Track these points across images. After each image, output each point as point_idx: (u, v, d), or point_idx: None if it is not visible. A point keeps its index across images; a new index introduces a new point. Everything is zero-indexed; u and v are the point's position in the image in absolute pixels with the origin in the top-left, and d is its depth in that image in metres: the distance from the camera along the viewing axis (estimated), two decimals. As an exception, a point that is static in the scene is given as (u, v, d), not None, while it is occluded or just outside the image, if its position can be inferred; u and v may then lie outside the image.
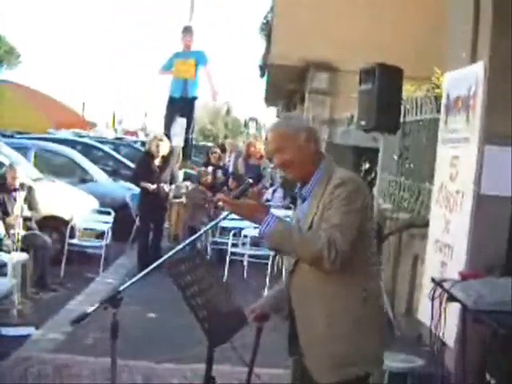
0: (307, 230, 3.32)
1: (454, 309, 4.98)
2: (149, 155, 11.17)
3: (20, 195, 9.19)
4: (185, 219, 11.87)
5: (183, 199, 11.99)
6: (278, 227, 3.19)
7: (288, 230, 3.23)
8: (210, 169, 13.27)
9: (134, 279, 3.46)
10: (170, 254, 3.55)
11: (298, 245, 3.19)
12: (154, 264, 3.45)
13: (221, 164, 13.90)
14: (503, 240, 5.35)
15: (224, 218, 3.75)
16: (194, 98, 13.17)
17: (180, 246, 3.66)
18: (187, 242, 3.93)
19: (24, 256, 8.57)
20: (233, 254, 10.39)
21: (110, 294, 3.43)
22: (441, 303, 4.81)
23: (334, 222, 3.18)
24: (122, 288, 3.42)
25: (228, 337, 3.49)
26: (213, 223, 3.79)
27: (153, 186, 10.68)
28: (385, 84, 6.92)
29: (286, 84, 21.54)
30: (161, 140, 11.10)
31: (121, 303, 3.38)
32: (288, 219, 3.83)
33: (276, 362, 5.58)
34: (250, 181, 3.63)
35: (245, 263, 10.48)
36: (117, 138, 29.60)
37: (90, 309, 3.37)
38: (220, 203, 10.50)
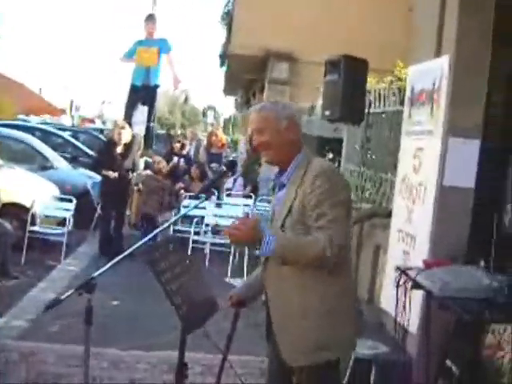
0: (286, 215, 3.38)
1: (417, 296, 5.11)
2: (111, 143, 11.12)
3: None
4: (139, 206, 11.88)
5: (140, 186, 11.98)
6: (279, 243, 3.20)
7: (288, 242, 3.26)
8: (176, 159, 13.26)
9: (107, 266, 3.48)
10: (143, 241, 3.61)
11: (300, 252, 3.23)
12: (128, 250, 3.48)
13: (184, 153, 13.90)
14: (465, 230, 5.47)
15: (191, 209, 3.81)
16: (156, 86, 13.10)
17: (151, 235, 3.72)
18: (159, 229, 3.97)
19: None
20: (195, 242, 10.43)
21: (84, 280, 3.43)
22: (405, 291, 4.92)
23: (327, 218, 3.22)
24: (95, 274, 3.43)
25: (202, 323, 3.55)
26: (182, 213, 3.82)
27: (114, 174, 10.63)
28: (350, 75, 6.98)
29: (246, 73, 21.58)
30: (123, 128, 11.03)
31: (95, 289, 3.41)
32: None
33: (248, 349, 5.66)
34: (224, 168, 3.69)
35: (207, 251, 10.53)
36: (73, 126, 29.37)
37: (64, 295, 3.38)
38: (181, 191, 10.46)
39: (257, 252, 3.37)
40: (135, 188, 12.04)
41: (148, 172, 13.22)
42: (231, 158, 13.55)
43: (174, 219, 4.15)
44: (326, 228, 3.20)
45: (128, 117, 12.86)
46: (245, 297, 3.85)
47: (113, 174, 10.63)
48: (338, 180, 3.41)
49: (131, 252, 3.48)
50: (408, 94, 6.50)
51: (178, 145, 14.51)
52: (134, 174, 11.41)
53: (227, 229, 3.31)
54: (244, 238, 3.23)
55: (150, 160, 14.91)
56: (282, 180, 3.54)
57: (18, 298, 7.98)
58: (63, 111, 10.50)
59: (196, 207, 3.77)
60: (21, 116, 16.28)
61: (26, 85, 14.01)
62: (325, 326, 3.36)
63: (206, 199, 3.81)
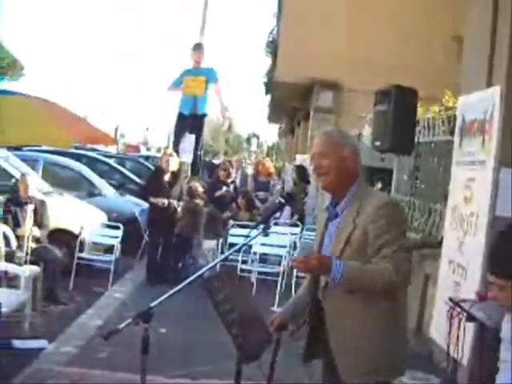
0: (344, 246, 3.43)
1: (469, 328, 5.06)
2: (159, 171, 11.23)
3: (30, 208, 9.18)
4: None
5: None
6: (347, 270, 3.26)
7: (356, 271, 3.32)
8: (224, 188, 13.27)
9: (165, 295, 3.52)
10: (203, 270, 3.64)
11: (367, 280, 3.30)
12: (188, 280, 3.51)
13: (229, 181, 13.97)
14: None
15: (252, 239, 3.81)
16: (204, 115, 13.20)
17: (210, 265, 3.74)
18: (220, 258, 4.01)
19: (35, 269, 8.58)
20: (242, 270, 10.42)
21: (141, 309, 3.46)
22: (458, 323, 4.88)
23: (392, 248, 3.30)
24: (153, 304, 3.47)
25: (259, 354, 3.55)
26: (240, 245, 3.82)
27: (163, 201, 10.73)
28: (401, 105, 6.99)
29: (290, 101, 21.67)
30: (171, 156, 11.14)
31: (151, 318, 3.44)
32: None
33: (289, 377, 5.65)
34: (282, 200, 3.71)
35: (253, 280, 10.52)
36: (118, 153, 29.68)
37: (122, 324, 3.42)
38: (230, 222, 10.40)
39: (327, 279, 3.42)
40: (184, 216, 12.09)
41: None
42: (278, 186, 13.50)
43: (232, 250, 4.04)
44: (390, 257, 3.27)
45: (175, 145, 12.99)
46: (286, 320, 3.87)
47: (161, 201, 10.71)
48: (400, 212, 3.54)
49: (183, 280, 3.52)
50: (459, 124, 6.47)
51: (224, 173, 14.47)
52: (181, 202, 11.48)
53: (296, 262, 3.38)
54: (315, 265, 3.28)
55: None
56: (337, 210, 3.57)
57: (67, 323, 8.04)
58: (116, 141, 10.70)
59: (250, 237, 3.75)
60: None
61: (85, 117, 14.24)
62: (381, 348, 3.42)
63: (266, 229, 3.81)
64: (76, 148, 19.08)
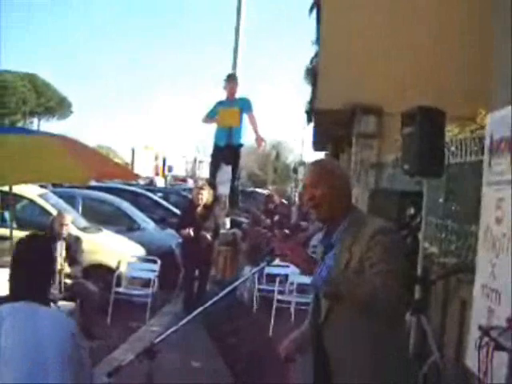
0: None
1: (504, 357, 4.83)
2: (192, 204, 11.25)
3: (60, 244, 9.20)
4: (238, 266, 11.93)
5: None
6: (331, 274, 3.18)
7: (340, 277, 3.23)
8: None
9: (169, 331, 3.45)
10: (210, 303, 3.54)
11: (351, 288, 3.16)
12: (189, 316, 3.44)
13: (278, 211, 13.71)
14: (552, 285, 5.18)
15: (265, 266, 3.73)
16: (240, 146, 13.05)
17: (220, 294, 3.64)
18: (226, 291, 3.90)
19: (70, 305, 8.59)
20: (279, 301, 10.29)
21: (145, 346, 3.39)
22: (488, 352, 4.66)
23: (386, 267, 3.17)
24: (157, 340, 3.41)
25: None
26: (255, 270, 3.72)
27: (189, 232, 10.72)
28: (427, 127, 6.80)
29: (333, 128, 21.51)
30: (202, 188, 11.21)
31: (157, 355, 3.35)
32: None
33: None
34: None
35: (292, 310, 10.36)
36: (166, 187, 29.91)
37: (125, 361, 3.35)
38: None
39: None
40: (223, 248, 12.07)
41: (236, 231, 13.22)
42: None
43: (242, 279, 3.97)
44: (382, 274, 3.13)
45: (212, 177, 12.94)
46: (294, 351, 3.81)
47: (185, 232, 10.71)
48: (397, 237, 3.47)
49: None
50: (487, 142, 6.27)
51: (271, 205, 14.11)
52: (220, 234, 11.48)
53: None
54: (294, 259, 3.27)
55: (236, 219, 14.90)
56: (331, 241, 3.47)
57: (101, 359, 7.99)
58: (138, 175, 10.69)
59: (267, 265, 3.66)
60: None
61: (98, 149, 14.42)
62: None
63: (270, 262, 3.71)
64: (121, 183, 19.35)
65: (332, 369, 3.42)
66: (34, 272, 3.82)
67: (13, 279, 3.88)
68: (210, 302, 3.57)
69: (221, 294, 3.69)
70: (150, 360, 3.40)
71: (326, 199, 3.43)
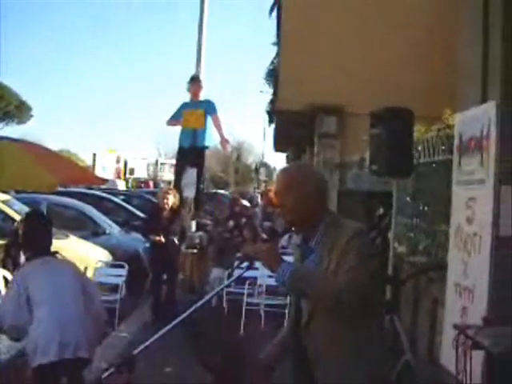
0: None
1: (479, 355, 4.85)
2: (157, 208, 11.17)
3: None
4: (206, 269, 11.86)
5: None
6: (295, 272, 3.20)
7: (304, 274, 3.27)
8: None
9: (147, 342, 3.43)
10: (188, 312, 3.49)
11: (313, 284, 3.20)
12: (168, 326, 3.41)
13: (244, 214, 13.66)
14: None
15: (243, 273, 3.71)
16: (204, 148, 13.00)
17: (202, 301, 3.60)
18: (207, 297, 3.88)
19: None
20: (249, 303, 10.25)
21: (124, 356, 3.34)
22: (465, 350, 4.67)
23: (355, 268, 3.16)
24: (136, 352, 3.38)
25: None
26: (233, 278, 3.69)
27: (160, 238, 10.64)
28: (395, 128, 6.81)
29: (295, 129, 21.55)
30: (167, 193, 11.14)
31: (135, 366, 3.32)
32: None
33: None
34: (264, 237, 3.63)
35: (261, 313, 10.34)
36: (127, 190, 29.76)
37: (105, 374, 3.31)
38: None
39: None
40: (189, 251, 12.01)
41: (201, 233, 13.17)
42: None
43: (222, 286, 3.96)
44: (349, 273, 3.15)
45: (178, 179, 12.86)
46: (274, 361, 3.75)
47: (157, 238, 10.63)
48: (368, 238, 3.56)
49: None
50: (456, 142, 6.30)
51: (238, 208, 14.08)
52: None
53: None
54: (270, 261, 3.28)
55: (201, 221, 14.83)
56: (311, 246, 3.45)
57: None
58: (104, 180, 10.64)
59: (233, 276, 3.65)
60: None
61: (63, 154, 14.25)
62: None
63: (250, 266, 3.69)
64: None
65: (313, 369, 3.41)
66: (45, 235, 5.59)
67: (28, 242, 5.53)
68: (190, 310, 3.52)
69: (201, 302, 3.64)
70: (129, 372, 3.34)
71: (295, 206, 3.40)
